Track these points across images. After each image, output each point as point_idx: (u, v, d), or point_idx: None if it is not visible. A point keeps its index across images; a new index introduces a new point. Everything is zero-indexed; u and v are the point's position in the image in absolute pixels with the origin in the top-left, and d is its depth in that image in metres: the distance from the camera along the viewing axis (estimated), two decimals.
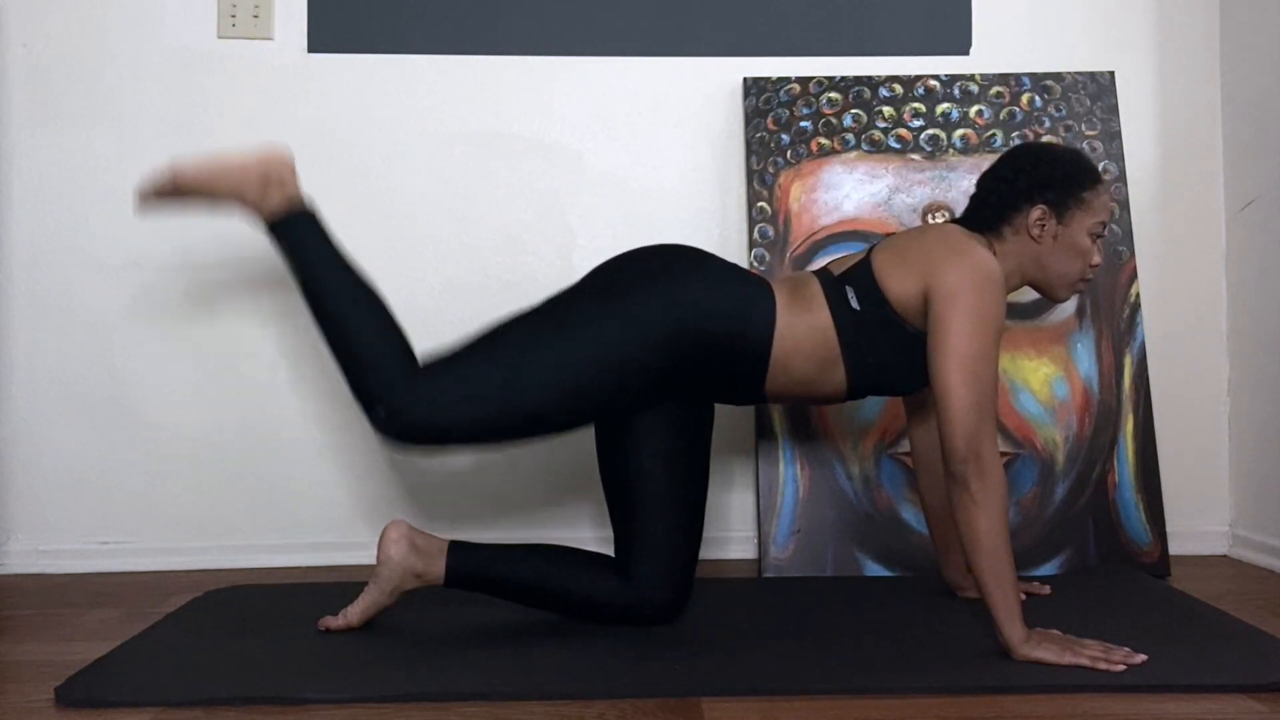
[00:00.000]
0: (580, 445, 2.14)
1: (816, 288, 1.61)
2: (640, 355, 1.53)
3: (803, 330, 1.57)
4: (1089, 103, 2.17)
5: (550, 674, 1.38)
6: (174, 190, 1.57)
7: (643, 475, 1.61)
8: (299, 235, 1.58)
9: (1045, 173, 1.56)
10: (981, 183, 1.62)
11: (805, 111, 2.16)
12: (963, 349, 1.45)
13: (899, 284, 1.54)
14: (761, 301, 1.57)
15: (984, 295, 1.47)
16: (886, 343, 1.57)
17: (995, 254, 1.58)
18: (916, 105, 2.16)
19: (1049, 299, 1.63)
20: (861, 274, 1.58)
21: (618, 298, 1.56)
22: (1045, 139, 2.14)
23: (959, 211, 2.06)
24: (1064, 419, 2.05)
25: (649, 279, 1.57)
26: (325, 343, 1.58)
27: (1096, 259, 1.58)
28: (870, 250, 1.61)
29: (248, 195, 1.57)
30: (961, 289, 1.47)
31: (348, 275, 1.58)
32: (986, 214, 1.60)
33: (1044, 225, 1.56)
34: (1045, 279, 1.60)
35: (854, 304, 1.57)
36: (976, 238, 1.57)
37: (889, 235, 1.62)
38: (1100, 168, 2.14)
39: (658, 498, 1.61)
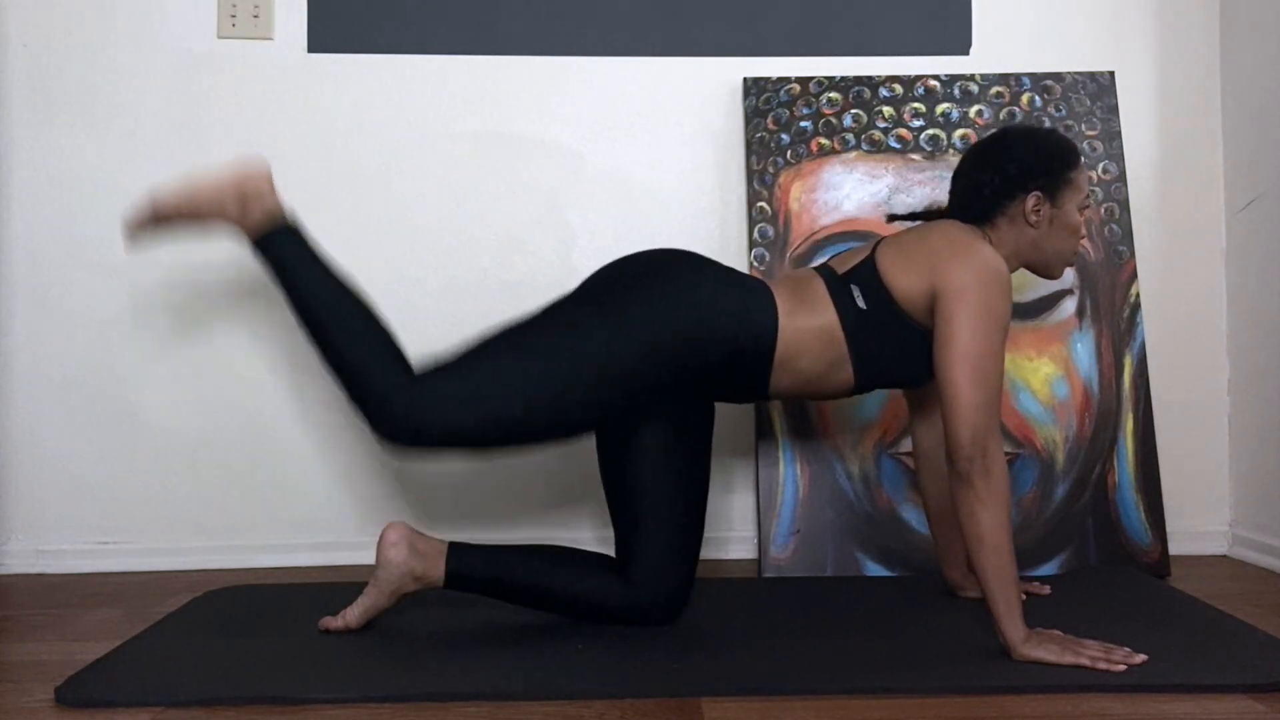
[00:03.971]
0: (581, 445, 2.14)
1: (820, 287, 1.61)
2: (638, 363, 1.52)
3: (809, 332, 1.57)
4: (1089, 103, 2.16)
5: (550, 674, 1.38)
6: (156, 219, 1.59)
7: (643, 475, 1.62)
8: (283, 249, 1.58)
9: (1033, 160, 1.58)
10: (968, 173, 1.63)
11: (805, 111, 2.16)
12: (970, 347, 1.46)
13: (905, 282, 1.55)
14: (762, 306, 1.57)
15: (991, 293, 1.48)
16: (894, 339, 1.58)
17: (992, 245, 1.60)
18: (916, 105, 2.16)
19: (1045, 277, 1.67)
20: (867, 272, 1.59)
21: (615, 304, 1.54)
22: None
23: None
24: (1064, 419, 2.05)
25: (647, 285, 1.56)
26: (319, 354, 1.56)
27: (1083, 230, 1.65)
28: (875, 248, 1.62)
29: (229, 213, 1.58)
30: (969, 287, 1.48)
31: (335, 285, 1.57)
32: (981, 205, 1.61)
33: (1040, 211, 1.58)
34: (1044, 260, 1.63)
35: (860, 303, 1.58)
36: (980, 234, 1.58)
37: (894, 234, 1.62)
38: (1100, 168, 2.14)
39: (657, 497, 1.61)
